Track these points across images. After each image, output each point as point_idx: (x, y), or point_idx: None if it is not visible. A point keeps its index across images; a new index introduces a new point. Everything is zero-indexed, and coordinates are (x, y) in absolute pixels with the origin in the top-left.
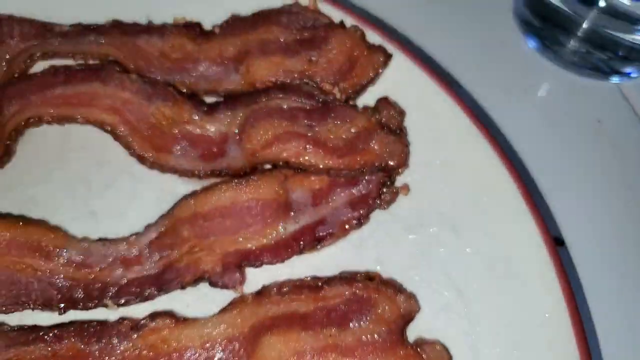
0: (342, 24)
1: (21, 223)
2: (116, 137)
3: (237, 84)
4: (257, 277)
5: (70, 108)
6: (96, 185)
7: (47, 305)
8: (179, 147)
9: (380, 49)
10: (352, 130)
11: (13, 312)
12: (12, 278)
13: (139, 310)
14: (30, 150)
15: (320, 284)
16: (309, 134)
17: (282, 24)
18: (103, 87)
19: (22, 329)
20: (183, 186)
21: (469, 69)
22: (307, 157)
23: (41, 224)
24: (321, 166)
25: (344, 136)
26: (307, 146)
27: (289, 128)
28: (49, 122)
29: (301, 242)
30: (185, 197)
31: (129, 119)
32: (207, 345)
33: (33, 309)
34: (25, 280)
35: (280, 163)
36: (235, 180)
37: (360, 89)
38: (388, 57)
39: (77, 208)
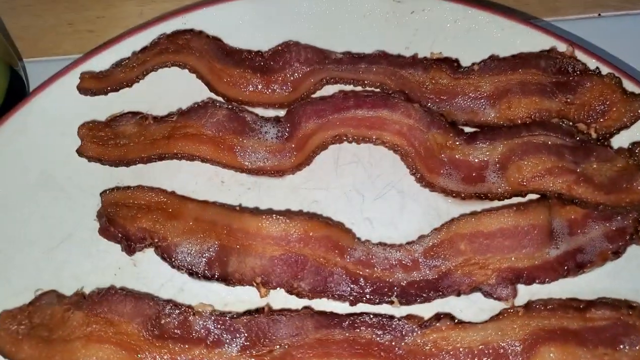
0: (598, 71)
1: (328, 223)
2: (403, 157)
3: (492, 118)
4: (521, 292)
5: (365, 130)
6: (369, 196)
7: (340, 296)
8: (445, 170)
9: (638, 97)
10: (613, 169)
11: (314, 298)
12: (318, 269)
13: (419, 309)
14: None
15: (582, 305)
16: (578, 170)
17: (541, 67)
18: (391, 114)
19: (324, 313)
20: (445, 204)
21: None
22: (578, 191)
23: (339, 225)
24: (591, 200)
25: (607, 174)
26: (578, 181)
27: (558, 163)
28: (350, 141)
29: (565, 267)
30: (465, 216)
31: (413, 143)
32: (487, 346)
33: (329, 298)
34: (326, 272)
35: (549, 194)
36: (516, 206)
37: (614, 132)
38: None
39: (354, 214)
